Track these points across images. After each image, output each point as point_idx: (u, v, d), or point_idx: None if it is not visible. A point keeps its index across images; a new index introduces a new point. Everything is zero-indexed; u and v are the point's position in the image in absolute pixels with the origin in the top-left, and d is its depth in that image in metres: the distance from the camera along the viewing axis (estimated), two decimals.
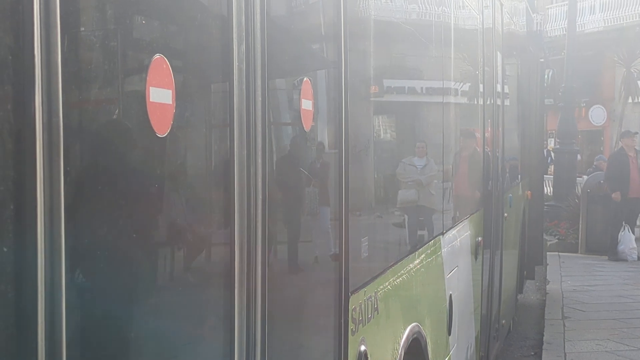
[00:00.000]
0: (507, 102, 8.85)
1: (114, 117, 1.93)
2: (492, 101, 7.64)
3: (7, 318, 1.58)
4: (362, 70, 3.95)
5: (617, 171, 15.31)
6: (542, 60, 14.08)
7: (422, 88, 5.42)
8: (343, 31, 3.27)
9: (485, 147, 7.48)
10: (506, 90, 8.86)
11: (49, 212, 1.61)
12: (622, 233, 15.12)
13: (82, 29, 1.81)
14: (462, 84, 6.62)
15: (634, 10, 33.85)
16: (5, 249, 1.57)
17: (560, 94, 19.73)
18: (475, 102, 7.18)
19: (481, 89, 7.18)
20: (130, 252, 1.99)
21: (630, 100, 32.38)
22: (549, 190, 22.21)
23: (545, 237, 17.09)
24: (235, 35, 2.39)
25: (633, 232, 15.39)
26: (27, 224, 1.58)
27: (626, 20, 34.09)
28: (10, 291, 1.58)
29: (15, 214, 1.57)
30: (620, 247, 15.09)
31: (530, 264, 11.93)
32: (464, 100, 6.89)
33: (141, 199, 2.04)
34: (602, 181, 16.05)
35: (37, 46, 1.58)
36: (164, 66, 2.01)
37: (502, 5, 8.16)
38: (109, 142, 1.92)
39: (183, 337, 2.27)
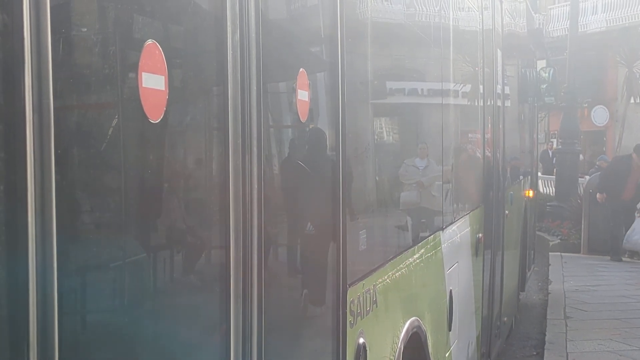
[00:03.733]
0: (507, 102, 8.84)
1: (106, 102, 1.93)
2: (492, 100, 7.63)
3: None
4: (359, 67, 3.94)
5: (615, 172, 15.22)
6: (544, 59, 14.06)
7: (422, 89, 5.41)
8: (340, 21, 3.25)
9: (485, 145, 7.47)
10: (507, 89, 8.86)
11: (40, 198, 1.60)
12: (635, 224, 14.90)
13: (73, 14, 1.80)
14: (462, 83, 6.61)
15: (637, 11, 33.80)
16: None
17: (562, 94, 19.70)
18: (476, 102, 7.17)
19: (481, 89, 7.18)
20: (120, 239, 1.98)
21: (632, 101, 32.31)
22: (551, 191, 22.19)
23: (547, 237, 17.09)
24: (229, 23, 2.38)
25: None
26: (18, 206, 1.57)
27: (629, 20, 34.04)
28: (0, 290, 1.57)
29: (4, 195, 1.56)
30: (635, 238, 14.87)
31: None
32: (464, 99, 6.88)
33: (133, 184, 2.03)
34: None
35: (27, 31, 1.57)
36: (157, 52, 2.00)
37: (502, 4, 8.15)
38: (101, 128, 1.91)
39: (178, 332, 2.25)
